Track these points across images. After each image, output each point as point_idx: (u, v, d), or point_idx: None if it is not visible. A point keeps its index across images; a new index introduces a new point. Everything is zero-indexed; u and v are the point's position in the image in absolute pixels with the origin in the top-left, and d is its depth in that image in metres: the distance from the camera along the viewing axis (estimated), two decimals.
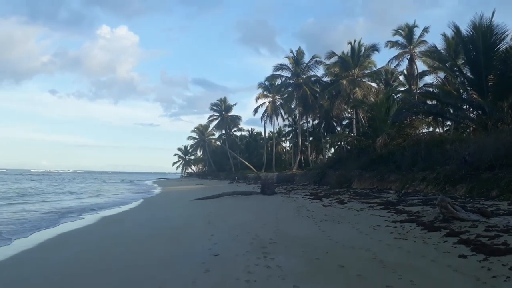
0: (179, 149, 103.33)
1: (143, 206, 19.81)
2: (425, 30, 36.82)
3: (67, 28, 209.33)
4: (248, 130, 76.88)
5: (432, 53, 29.80)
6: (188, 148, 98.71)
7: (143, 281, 5.45)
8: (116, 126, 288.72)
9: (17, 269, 6.57)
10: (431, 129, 34.27)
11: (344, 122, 46.73)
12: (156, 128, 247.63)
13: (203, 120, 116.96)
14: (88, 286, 5.43)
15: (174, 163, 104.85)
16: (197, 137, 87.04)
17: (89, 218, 14.08)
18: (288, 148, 69.44)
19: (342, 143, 40.00)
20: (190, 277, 5.42)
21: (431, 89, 34.23)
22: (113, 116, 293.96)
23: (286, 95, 49.82)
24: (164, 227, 11.32)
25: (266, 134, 64.13)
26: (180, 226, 11.37)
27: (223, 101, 69.61)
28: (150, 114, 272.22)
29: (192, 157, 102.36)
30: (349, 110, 40.65)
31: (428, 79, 38.59)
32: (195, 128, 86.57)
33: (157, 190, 38.26)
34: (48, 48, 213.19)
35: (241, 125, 73.15)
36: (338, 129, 47.14)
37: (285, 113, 54.70)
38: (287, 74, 48.24)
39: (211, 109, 69.91)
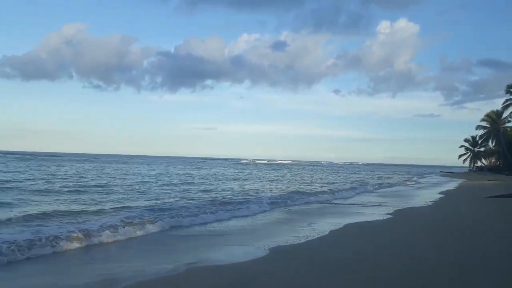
0: (466, 140, 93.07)
1: (441, 202, 18.93)
2: None
3: (346, 31, 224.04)
4: None
5: None
6: (477, 138, 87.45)
7: (433, 276, 5.46)
8: (394, 119, 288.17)
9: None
10: None
11: None
12: (436, 118, 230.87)
13: (494, 106, 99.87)
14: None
15: (460, 156, 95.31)
16: (487, 126, 75.88)
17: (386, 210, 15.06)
18: None
19: None
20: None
21: None
22: (391, 109, 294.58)
23: None
24: (459, 226, 10.65)
25: None
26: (477, 225, 10.47)
27: None
28: (430, 104, 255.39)
29: (482, 149, 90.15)
30: None
31: None
32: (485, 116, 75.65)
33: (447, 185, 35.92)
34: (331, 52, 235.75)
35: None
36: None
37: None
38: None
39: (507, 91, 59.38)
